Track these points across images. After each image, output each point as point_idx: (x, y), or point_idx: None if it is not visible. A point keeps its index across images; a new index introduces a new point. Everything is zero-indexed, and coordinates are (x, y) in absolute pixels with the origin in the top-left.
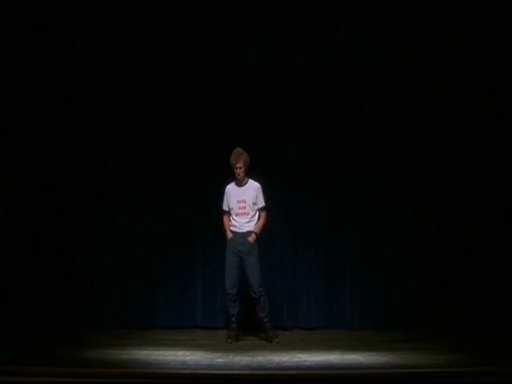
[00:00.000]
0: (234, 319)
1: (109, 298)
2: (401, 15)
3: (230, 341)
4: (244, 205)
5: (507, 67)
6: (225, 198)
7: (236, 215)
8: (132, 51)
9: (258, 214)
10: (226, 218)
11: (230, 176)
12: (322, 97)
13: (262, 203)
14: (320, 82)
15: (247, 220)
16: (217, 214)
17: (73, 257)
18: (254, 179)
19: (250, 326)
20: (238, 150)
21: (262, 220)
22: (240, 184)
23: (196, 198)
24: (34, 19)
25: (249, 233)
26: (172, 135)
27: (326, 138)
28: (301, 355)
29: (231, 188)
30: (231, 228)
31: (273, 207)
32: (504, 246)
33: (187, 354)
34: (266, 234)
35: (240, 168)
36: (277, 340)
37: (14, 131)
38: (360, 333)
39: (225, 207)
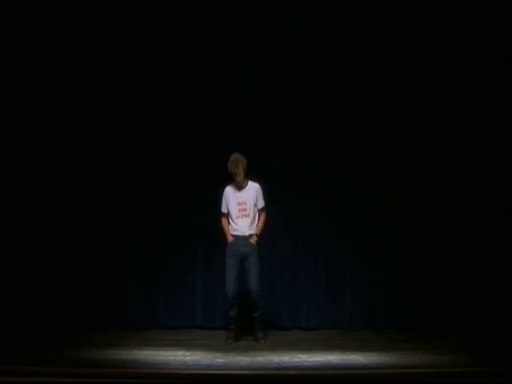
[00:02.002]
0: (232, 321)
1: (109, 298)
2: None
3: (230, 341)
4: (245, 207)
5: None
6: (223, 200)
7: (236, 218)
8: (131, 52)
9: (257, 214)
10: (224, 220)
11: (228, 178)
12: (321, 97)
13: (261, 204)
14: (317, 82)
15: (248, 223)
16: (217, 214)
17: (73, 256)
18: (254, 180)
19: (250, 327)
20: (235, 156)
21: (261, 220)
22: (240, 187)
23: (196, 198)
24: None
25: (250, 236)
26: (172, 134)
27: (326, 138)
28: (301, 355)
29: (230, 190)
30: (232, 232)
31: (273, 207)
32: (505, 248)
33: (187, 354)
34: (266, 234)
35: (240, 174)
36: (263, 341)
37: (13, 130)
38: (360, 333)
39: (223, 209)
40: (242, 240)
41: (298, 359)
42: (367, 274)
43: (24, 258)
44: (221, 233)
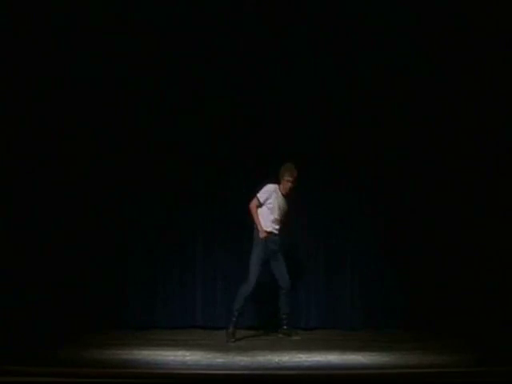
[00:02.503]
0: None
1: (109, 298)
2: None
3: (232, 340)
4: (283, 218)
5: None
6: (270, 195)
7: (274, 221)
8: (135, 49)
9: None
10: (257, 209)
11: (230, 176)
12: (327, 97)
13: None
14: (321, 82)
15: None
16: (217, 213)
17: (73, 257)
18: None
19: (250, 326)
20: (290, 164)
21: None
22: (286, 195)
23: (196, 198)
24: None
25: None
26: (172, 133)
27: (326, 136)
28: (301, 355)
29: (279, 193)
30: (267, 229)
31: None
32: (505, 247)
33: (187, 354)
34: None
35: (294, 182)
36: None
37: (13, 128)
38: (360, 333)
39: (262, 199)
40: (274, 235)
41: (297, 359)
42: (367, 273)
43: (24, 257)
44: (252, 218)
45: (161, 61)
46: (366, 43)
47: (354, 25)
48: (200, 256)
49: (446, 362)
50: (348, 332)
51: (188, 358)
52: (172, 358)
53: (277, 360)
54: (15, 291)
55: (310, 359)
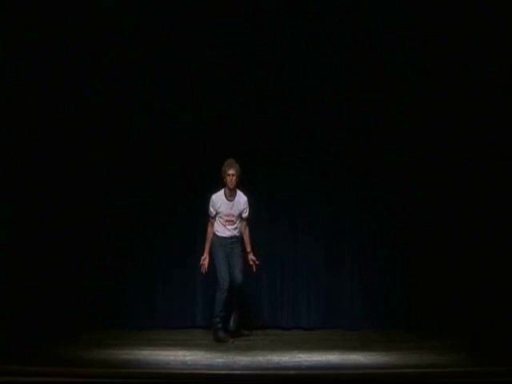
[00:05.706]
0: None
1: (109, 298)
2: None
3: (232, 340)
4: (232, 218)
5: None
6: (215, 204)
7: (225, 225)
8: (128, 55)
9: (240, 222)
10: (211, 226)
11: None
12: (321, 94)
13: (247, 214)
14: (320, 79)
15: (233, 227)
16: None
17: (73, 257)
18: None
19: (250, 327)
20: (231, 159)
21: (247, 229)
22: (230, 196)
23: (196, 198)
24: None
25: (234, 237)
26: (172, 132)
27: (325, 131)
28: (301, 355)
29: (223, 197)
30: (223, 234)
31: (273, 207)
32: (506, 247)
33: (187, 354)
34: (265, 234)
35: (233, 175)
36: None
37: (12, 128)
38: (360, 333)
39: (212, 213)
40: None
41: (297, 359)
42: (367, 273)
43: (23, 257)
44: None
45: (159, 60)
46: (365, 42)
47: (354, 24)
48: (200, 256)
49: (446, 362)
50: (348, 332)
51: (188, 357)
52: (172, 357)
53: (277, 360)
54: (15, 291)
55: (309, 359)
